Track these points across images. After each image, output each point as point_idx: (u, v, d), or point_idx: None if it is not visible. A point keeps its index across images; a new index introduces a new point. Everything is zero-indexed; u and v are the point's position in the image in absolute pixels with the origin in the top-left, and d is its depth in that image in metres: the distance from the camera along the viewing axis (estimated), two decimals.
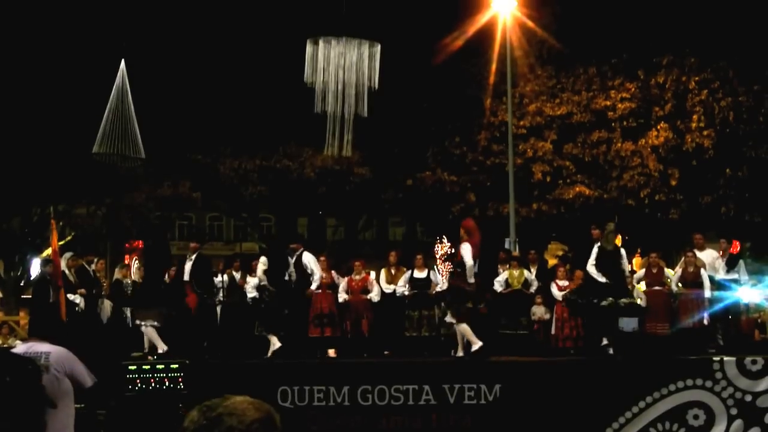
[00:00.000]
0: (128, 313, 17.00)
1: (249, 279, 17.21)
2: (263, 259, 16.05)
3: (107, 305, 16.97)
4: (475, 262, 14.10)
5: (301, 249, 15.86)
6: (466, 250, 14.02)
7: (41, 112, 25.99)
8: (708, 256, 16.43)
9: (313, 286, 15.64)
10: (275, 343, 14.90)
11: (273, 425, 2.83)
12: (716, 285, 15.83)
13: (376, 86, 15.84)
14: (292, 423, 12.11)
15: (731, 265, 16.25)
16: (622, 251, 15.53)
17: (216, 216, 42.59)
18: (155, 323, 15.24)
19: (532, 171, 26.76)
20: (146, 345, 15.40)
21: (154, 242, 15.79)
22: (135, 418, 12.37)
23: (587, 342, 15.67)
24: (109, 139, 18.43)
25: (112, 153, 18.81)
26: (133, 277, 17.30)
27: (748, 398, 12.82)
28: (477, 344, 13.79)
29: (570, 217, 26.88)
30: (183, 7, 27.69)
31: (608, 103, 26.60)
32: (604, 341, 15.15)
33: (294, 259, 15.69)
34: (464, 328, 14.00)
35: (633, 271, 17.38)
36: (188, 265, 16.22)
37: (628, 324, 15.42)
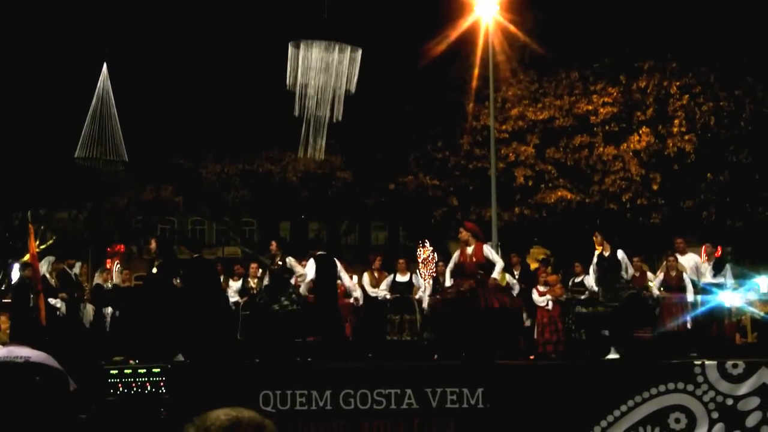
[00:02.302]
0: (109, 318, 16.92)
1: (231, 283, 17.15)
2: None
3: (89, 309, 16.88)
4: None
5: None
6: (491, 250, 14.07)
7: (22, 117, 25.85)
8: (690, 260, 16.47)
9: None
10: None
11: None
12: (699, 289, 15.88)
13: (353, 90, 15.80)
14: None
15: (718, 269, 16.29)
16: (620, 254, 14.78)
17: (198, 220, 42.48)
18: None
19: (515, 175, 26.77)
20: None
21: (164, 254, 15.44)
22: (116, 423, 12.28)
23: (590, 355, 15.20)
24: (91, 142, 18.33)
25: (95, 157, 18.71)
26: (114, 281, 17.24)
27: (729, 402, 12.83)
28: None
29: (552, 221, 26.95)
30: (165, 11, 27.61)
31: (590, 107, 26.63)
32: (612, 354, 14.51)
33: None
34: None
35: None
36: None
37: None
